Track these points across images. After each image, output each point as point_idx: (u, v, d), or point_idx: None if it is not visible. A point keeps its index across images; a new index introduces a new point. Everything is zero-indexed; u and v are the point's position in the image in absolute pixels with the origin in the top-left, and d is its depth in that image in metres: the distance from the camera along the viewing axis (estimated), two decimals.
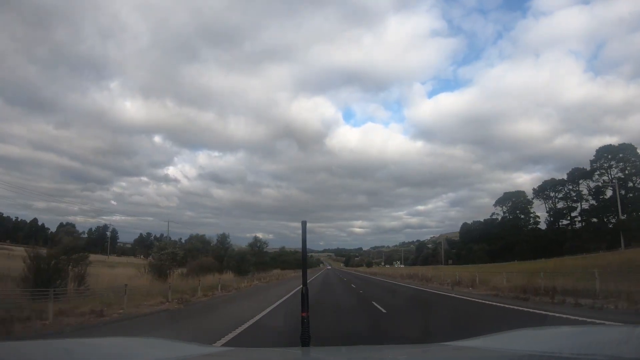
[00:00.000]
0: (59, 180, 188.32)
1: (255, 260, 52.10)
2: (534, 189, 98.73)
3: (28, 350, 2.27)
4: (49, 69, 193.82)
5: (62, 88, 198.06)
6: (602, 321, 9.87)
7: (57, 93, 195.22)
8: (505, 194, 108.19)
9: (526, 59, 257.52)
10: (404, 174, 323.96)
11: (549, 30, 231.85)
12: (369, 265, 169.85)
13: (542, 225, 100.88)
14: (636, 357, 1.95)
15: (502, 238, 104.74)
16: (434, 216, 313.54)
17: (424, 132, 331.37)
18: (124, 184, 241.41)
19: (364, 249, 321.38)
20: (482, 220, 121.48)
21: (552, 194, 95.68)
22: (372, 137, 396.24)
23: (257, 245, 52.70)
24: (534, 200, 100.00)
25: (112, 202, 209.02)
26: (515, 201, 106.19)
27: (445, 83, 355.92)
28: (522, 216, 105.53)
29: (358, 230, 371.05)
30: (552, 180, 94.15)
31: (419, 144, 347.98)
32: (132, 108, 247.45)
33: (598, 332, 3.38)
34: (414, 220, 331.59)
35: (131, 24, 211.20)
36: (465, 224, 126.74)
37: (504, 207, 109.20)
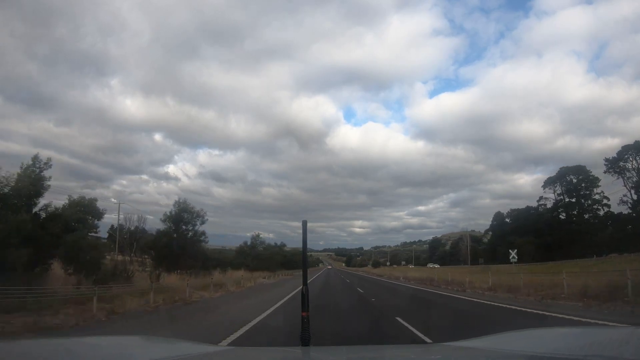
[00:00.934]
0: (59, 178, 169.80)
1: (180, 251, 25.36)
2: (605, 160, 72.27)
3: (28, 349, 2.29)
4: (49, 66, 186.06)
5: (63, 85, 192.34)
6: (603, 322, 9.19)
7: (57, 90, 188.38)
8: (562, 169, 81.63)
9: (528, 59, 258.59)
10: (405, 174, 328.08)
11: (552, 30, 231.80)
12: (376, 265, 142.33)
13: (614, 209, 74.67)
14: (636, 358, 1.96)
15: (560, 229, 78.60)
16: (434, 217, 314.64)
17: (425, 132, 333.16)
18: (124, 182, 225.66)
19: (365, 248, 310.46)
20: (522, 207, 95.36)
21: (632, 165, 69.26)
22: (373, 136, 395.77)
23: (177, 224, 25.57)
24: (606, 175, 73.33)
25: (112, 199, 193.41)
26: (571, 180, 79.88)
27: (446, 83, 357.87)
28: (582, 200, 79.21)
29: (358, 230, 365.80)
30: (636, 143, 67.70)
31: (420, 144, 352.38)
32: (132, 106, 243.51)
33: (598, 333, 3.37)
34: (414, 220, 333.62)
35: (131, 22, 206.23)
36: (499, 214, 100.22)
37: (557, 187, 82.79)
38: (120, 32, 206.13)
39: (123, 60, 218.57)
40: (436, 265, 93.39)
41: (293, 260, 76.53)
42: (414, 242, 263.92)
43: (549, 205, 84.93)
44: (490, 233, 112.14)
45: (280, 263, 67.16)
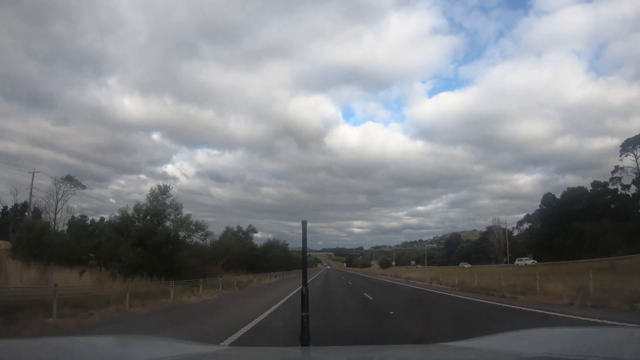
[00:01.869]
0: (57, 177, 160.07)
1: None
2: None
3: (28, 349, 2.29)
4: (46, 65, 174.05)
5: (61, 84, 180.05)
6: (603, 322, 8.85)
7: (55, 89, 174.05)
8: None
9: (528, 58, 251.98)
10: (404, 174, 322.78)
11: (551, 29, 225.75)
12: (385, 264, 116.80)
13: None
14: (636, 358, 1.95)
15: None
16: (434, 217, 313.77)
17: (425, 132, 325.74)
18: (122, 181, 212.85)
19: (365, 248, 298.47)
20: (578, 186, 70.80)
21: None
22: (372, 136, 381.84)
23: None
24: None
25: (111, 199, 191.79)
26: None
27: (446, 82, 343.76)
28: None
29: (357, 230, 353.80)
30: None
31: (420, 144, 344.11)
32: (130, 105, 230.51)
33: (598, 333, 3.34)
34: (413, 220, 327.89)
35: (129, 20, 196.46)
36: (549, 196, 75.27)
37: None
38: (119, 30, 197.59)
39: (121, 59, 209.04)
40: (530, 261, 64.90)
41: (266, 258, 51.04)
42: (415, 242, 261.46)
43: (627, 178, 60.56)
44: (528, 224, 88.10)
45: (244, 262, 41.94)
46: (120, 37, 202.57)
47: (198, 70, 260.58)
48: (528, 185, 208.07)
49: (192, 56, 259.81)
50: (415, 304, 16.24)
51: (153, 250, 20.49)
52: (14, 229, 34.17)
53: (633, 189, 60.24)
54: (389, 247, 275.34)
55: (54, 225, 35.84)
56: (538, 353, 2.12)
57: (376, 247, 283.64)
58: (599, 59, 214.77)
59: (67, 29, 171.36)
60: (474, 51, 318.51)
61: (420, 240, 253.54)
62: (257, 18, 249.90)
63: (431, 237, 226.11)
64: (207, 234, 29.24)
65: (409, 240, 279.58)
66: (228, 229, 45.01)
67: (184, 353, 2.47)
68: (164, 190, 25.50)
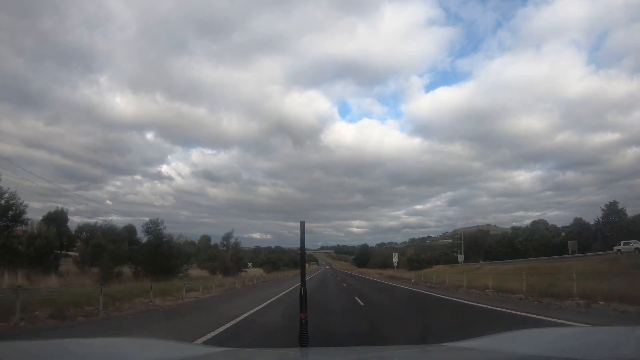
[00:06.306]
0: (52, 179, 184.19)
1: None
2: None
3: (28, 350, 2.33)
4: (36, 62, 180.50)
5: (51, 82, 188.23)
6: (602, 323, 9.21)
7: (45, 87, 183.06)
8: None
9: (527, 50, 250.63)
10: (402, 172, 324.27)
11: (551, 19, 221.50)
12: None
13: None
14: (636, 358, 1.96)
15: None
16: (432, 215, 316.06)
17: (422, 128, 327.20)
18: (118, 182, 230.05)
19: (370, 246, 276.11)
20: None
21: None
22: (369, 133, 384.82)
23: None
24: None
25: (108, 201, 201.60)
26: None
27: (442, 76, 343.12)
28: None
29: (356, 230, 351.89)
30: None
31: (417, 141, 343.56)
32: (122, 103, 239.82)
33: (598, 333, 3.31)
34: (412, 219, 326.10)
35: (117, 13, 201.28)
36: None
37: None
38: (107, 25, 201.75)
39: (110, 55, 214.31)
40: None
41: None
42: (426, 238, 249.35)
43: None
44: None
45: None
46: (109, 33, 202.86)
47: (188, 66, 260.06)
48: (527, 182, 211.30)
49: (181, 51, 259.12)
50: None
51: None
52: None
53: None
54: (395, 244, 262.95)
55: None
56: (538, 353, 2.10)
57: (381, 244, 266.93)
58: (599, 50, 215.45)
59: (55, 25, 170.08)
60: (471, 43, 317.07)
61: (430, 237, 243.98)
62: (247, 10, 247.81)
63: (441, 233, 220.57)
64: None
65: (416, 237, 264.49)
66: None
67: (181, 354, 2.49)
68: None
